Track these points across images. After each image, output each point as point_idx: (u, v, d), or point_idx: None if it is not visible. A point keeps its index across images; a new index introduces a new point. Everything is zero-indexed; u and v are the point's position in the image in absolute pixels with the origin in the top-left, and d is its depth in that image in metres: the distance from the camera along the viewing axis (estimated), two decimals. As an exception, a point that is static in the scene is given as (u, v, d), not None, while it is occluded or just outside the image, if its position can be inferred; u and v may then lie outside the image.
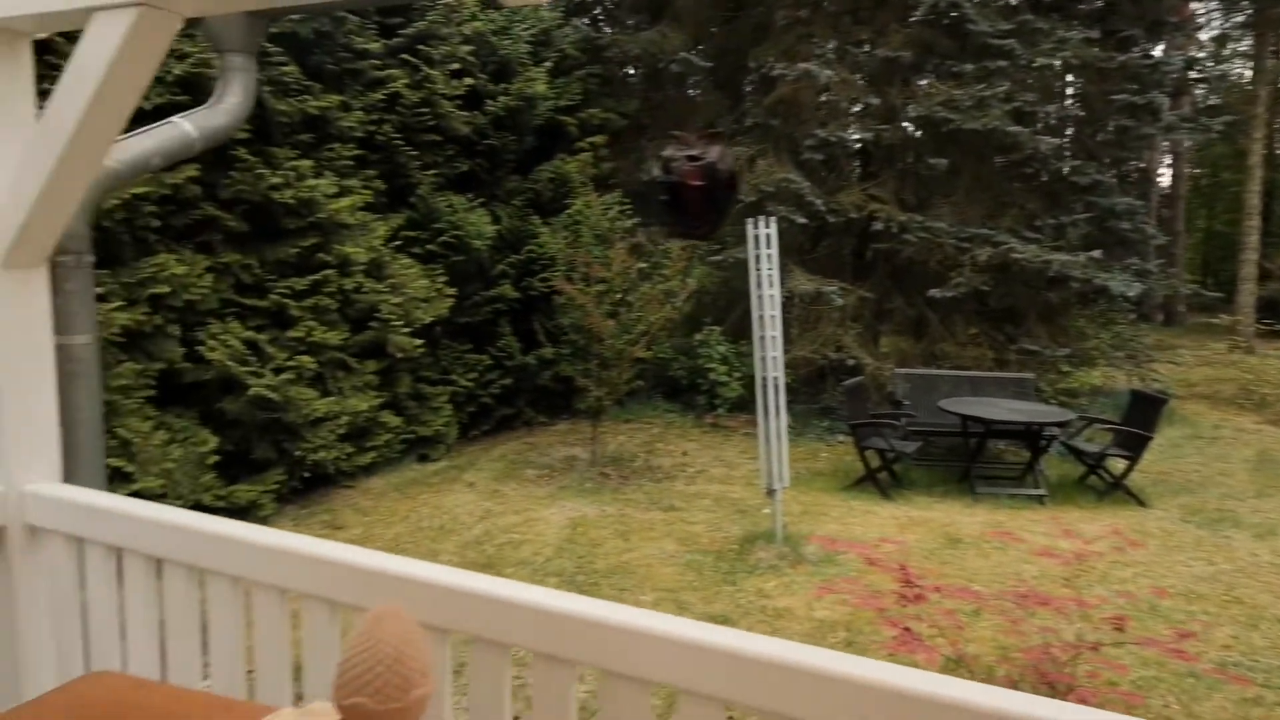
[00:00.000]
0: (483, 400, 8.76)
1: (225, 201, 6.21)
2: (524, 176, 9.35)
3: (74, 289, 2.55)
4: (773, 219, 6.06)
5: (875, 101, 9.98)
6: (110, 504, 1.95)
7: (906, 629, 3.10)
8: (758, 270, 5.87)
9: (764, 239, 5.87)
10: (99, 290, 4.85)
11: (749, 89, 11.79)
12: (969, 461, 7.70)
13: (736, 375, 10.04)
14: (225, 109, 3.16)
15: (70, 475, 2.20)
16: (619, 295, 7.84)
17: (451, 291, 8.03)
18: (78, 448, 2.57)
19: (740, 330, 10.28)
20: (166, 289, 5.65)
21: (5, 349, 1.98)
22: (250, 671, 1.82)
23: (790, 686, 1.25)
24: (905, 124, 10.31)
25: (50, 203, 1.90)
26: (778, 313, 5.88)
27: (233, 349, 6.12)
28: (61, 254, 2.61)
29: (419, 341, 7.55)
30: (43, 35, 2.16)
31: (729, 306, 10.59)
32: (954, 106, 9.48)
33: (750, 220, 5.99)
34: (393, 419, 7.56)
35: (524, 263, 8.98)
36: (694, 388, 10.39)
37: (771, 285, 5.85)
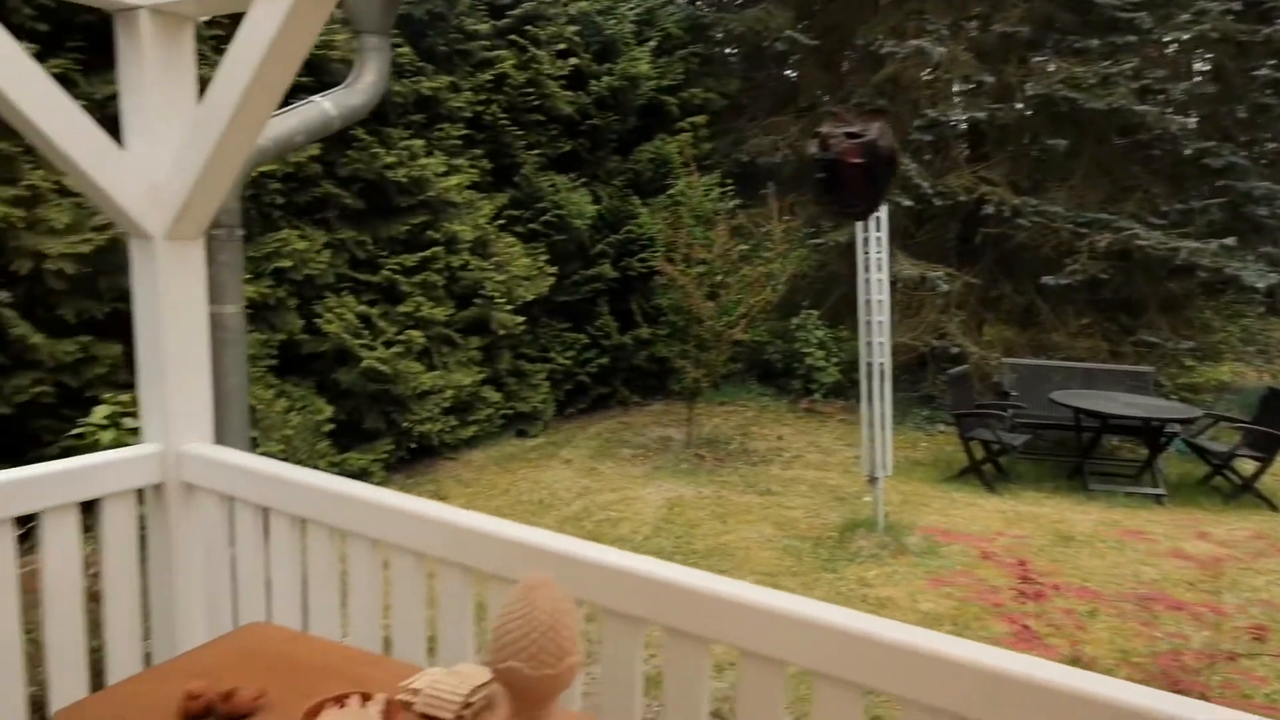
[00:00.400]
0: (579, 378, 8.88)
1: (343, 179, 6.44)
2: (624, 157, 9.38)
3: (226, 260, 2.69)
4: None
5: (989, 79, 9.57)
6: (258, 465, 2.06)
7: (1025, 626, 3.00)
8: (865, 254, 5.73)
9: (873, 222, 5.72)
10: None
11: (847, 68, 11.46)
12: (1082, 456, 7.37)
13: (834, 360, 9.86)
14: (362, 88, 3.26)
15: (219, 437, 2.33)
16: (719, 277, 7.80)
17: (552, 270, 8.14)
18: (226, 411, 2.72)
19: (837, 315, 10.08)
20: (289, 263, 5.91)
21: (168, 316, 2.10)
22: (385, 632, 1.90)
23: (931, 675, 1.23)
24: (1018, 103, 9.85)
25: (209, 179, 2.00)
26: (886, 297, 5.74)
27: (347, 322, 6.36)
28: (216, 227, 2.75)
29: (520, 319, 7.69)
30: (205, 18, 2.27)
31: (826, 290, 10.39)
32: (1076, 84, 9.00)
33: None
34: (493, 394, 7.74)
35: (623, 243, 9.03)
36: (789, 372, 10.26)
37: (880, 269, 5.71)
